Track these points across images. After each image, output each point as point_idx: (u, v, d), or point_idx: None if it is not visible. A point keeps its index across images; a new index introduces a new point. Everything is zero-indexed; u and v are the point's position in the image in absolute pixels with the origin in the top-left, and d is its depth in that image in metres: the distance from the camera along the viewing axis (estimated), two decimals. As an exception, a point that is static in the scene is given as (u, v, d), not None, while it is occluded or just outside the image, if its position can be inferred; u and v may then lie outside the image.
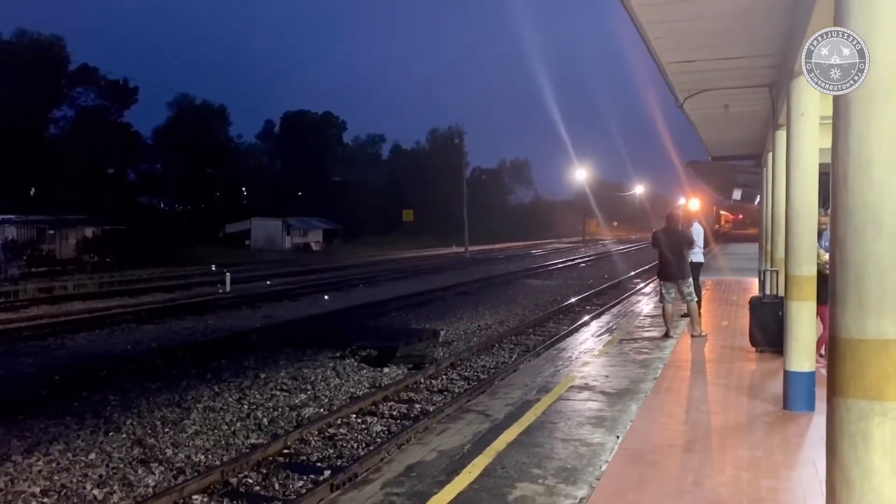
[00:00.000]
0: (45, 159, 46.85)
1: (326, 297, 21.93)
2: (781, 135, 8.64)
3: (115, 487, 6.32)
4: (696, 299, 10.57)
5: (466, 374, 11.02)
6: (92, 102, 54.61)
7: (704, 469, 4.96)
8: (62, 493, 6.15)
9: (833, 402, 2.91)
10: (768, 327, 8.56)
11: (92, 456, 7.03)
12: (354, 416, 8.54)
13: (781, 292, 9.29)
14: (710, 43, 7.22)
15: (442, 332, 14.14)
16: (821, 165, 6.18)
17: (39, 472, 6.59)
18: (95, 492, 6.20)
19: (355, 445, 7.54)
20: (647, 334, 10.94)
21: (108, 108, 55.35)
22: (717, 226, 57.29)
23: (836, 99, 2.88)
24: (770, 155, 11.06)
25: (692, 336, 10.10)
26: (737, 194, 28.37)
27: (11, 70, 45.72)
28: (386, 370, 11.07)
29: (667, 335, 10.23)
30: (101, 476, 6.56)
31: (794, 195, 6.28)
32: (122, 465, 6.84)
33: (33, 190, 49.32)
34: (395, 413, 8.79)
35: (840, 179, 2.86)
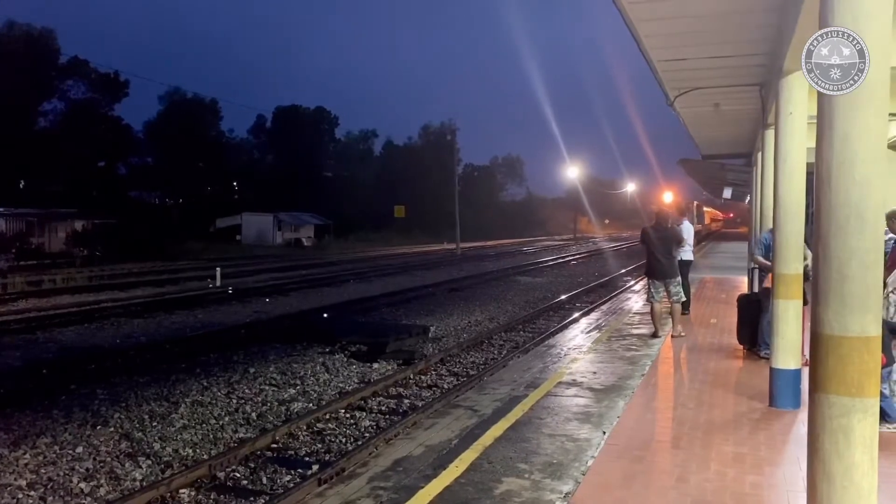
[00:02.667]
0: (34, 152, 46.53)
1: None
2: (770, 134, 8.68)
3: (102, 481, 6.30)
4: (683, 299, 10.61)
5: (455, 369, 11.04)
6: (82, 95, 54.26)
7: (689, 465, 4.99)
8: (49, 487, 6.12)
9: (815, 399, 2.94)
10: (754, 324, 8.60)
11: (79, 449, 7.00)
12: (343, 410, 8.54)
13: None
14: (699, 41, 7.24)
15: (432, 329, 14.13)
16: (809, 165, 6.22)
17: (26, 465, 6.56)
18: (82, 485, 6.18)
19: (343, 440, 7.54)
20: (635, 332, 10.99)
21: (98, 102, 54.95)
22: (700, 225, 51.14)
23: (820, 97, 2.90)
24: (760, 154, 11.11)
25: (672, 336, 10.13)
26: (727, 193, 28.50)
27: (1, 62, 45.37)
28: (375, 366, 11.06)
29: (654, 335, 10.26)
30: (88, 469, 6.54)
31: (782, 194, 6.32)
32: (109, 459, 6.82)
33: (23, 183, 49.02)
34: (383, 408, 8.80)
35: (824, 177, 2.89)
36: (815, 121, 2.97)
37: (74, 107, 53.24)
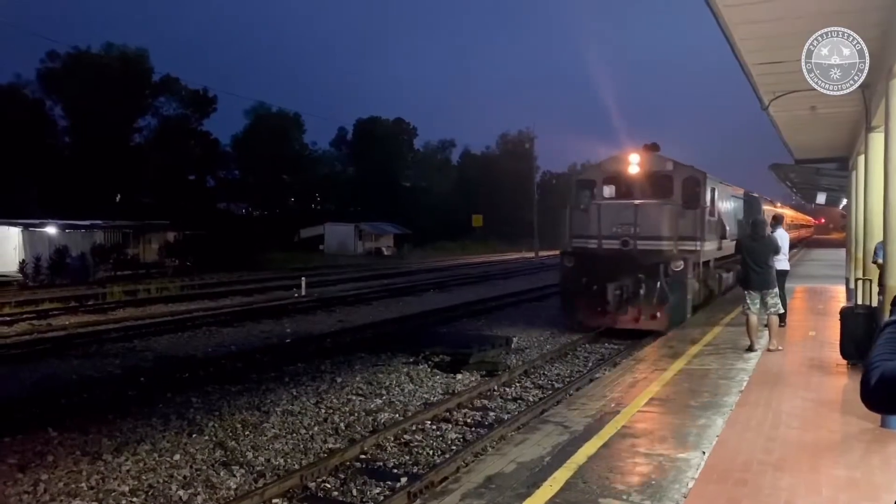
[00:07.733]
0: (130, 167, 48.91)
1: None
2: (875, 137, 8.27)
3: (199, 489, 6.47)
4: (780, 311, 10.14)
5: (540, 382, 10.89)
6: (174, 112, 56.69)
7: (797, 489, 4.73)
8: (149, 493, 6.33)
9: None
10: (862, 339, 8.14)
11: (177, 457, 7.23)
12: (429, 422, 8.54)
13: (874, 301, 8.89)
14: (797, 43, 6.94)
15: (514, 339, 14.02)
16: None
17: (128, 471, 6.81)
18: (181, 493, 6.36)
19: (431, 452, 7.53)
20: (729, 345, 10.58)
21: (188, 117, 57.30)
22: None
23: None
24: (861, 158, 10.59)
25: (768, 350, 9.70)
26: (821, 198, 27.39)
27: (100, 82, 47.93)
28: (459, 377, 11.04)
29: (750, 348, 9.85)
30: (185, 477, 6.73)
31: (893, 199, 5.96)
32: (205, 467, 7.00)
33: (119, 196, 51.47)
34: (469, 420, 8.75)
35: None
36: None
37: (166, 123, 55.66)
